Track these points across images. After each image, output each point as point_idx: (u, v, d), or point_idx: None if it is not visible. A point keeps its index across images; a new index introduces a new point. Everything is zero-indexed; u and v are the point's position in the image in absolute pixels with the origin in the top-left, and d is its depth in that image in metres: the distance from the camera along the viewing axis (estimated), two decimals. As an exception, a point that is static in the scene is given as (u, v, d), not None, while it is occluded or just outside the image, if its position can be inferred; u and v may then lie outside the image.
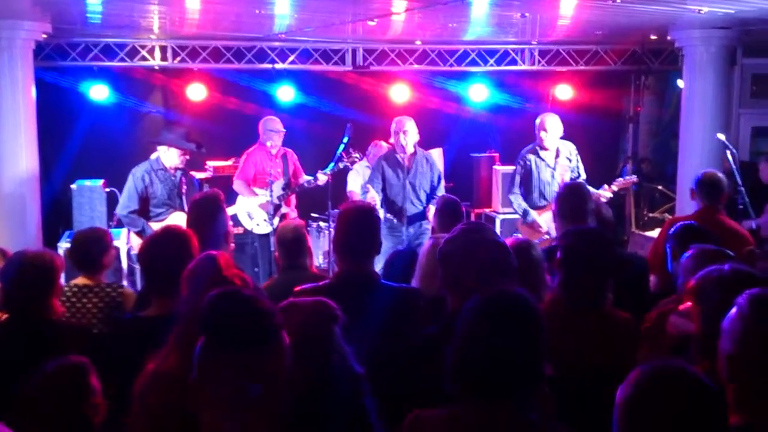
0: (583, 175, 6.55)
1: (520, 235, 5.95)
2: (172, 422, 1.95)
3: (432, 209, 6.15)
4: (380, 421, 2.24)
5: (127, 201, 6.16)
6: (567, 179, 6.38)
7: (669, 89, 9.93)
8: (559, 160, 6.52)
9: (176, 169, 6.24)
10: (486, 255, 2.61)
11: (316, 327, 2.17)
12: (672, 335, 2.63)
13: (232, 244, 4.12)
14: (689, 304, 2.76)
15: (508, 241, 3.30)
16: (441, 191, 6.63)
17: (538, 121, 6.60)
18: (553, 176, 6.50)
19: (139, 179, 6.15)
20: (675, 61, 8.78)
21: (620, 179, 6.45)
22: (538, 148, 6.58)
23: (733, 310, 1.89)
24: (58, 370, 2.46)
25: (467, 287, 2.51)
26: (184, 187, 6.29)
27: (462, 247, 2.66)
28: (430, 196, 6.58)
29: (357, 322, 2.40)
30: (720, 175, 4.96)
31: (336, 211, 7.34)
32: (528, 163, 6.57)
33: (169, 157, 6.19)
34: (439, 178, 6.71)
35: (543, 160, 6.53)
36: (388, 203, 6.63)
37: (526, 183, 6.57)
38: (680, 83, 8.29)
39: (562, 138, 6.56)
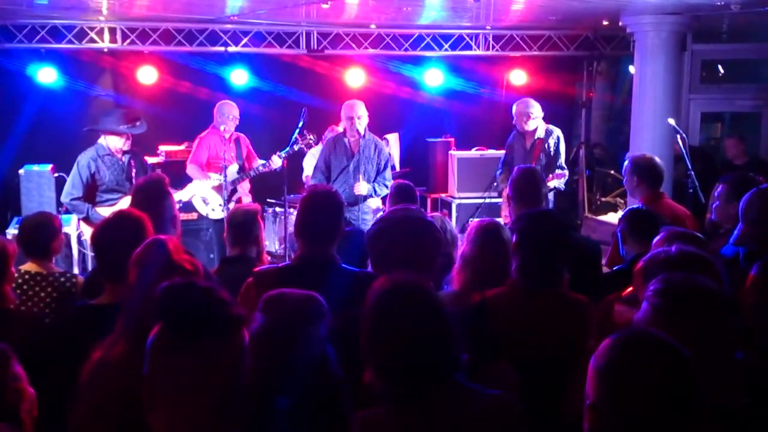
0: (561, 161, 6.81)
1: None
2: (116, 411, 1.90)
3: (362, 187, 6.42)
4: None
5: (71, 188, 6.10)
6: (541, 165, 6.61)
7: (621, 75, 10.07)
8: (536, 144, 6.78)
9: (123, 152, 6.14)
10: (409, 234, 2.64)
11: (295, 322, 2.11)
12: (618, 324, 2.67)
13: (179, 229, 4.04)
14: (630, 289, 2.82)
15: (476, 222, 3.34)
16: (388, 176, 6.67)
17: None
18: (526, 158, 6.75)
19: (84, 167, 6.07)
20: (627, 46, 8.90)
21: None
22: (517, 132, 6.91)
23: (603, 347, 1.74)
24: None
25: (394, 266, 2.56)
26: (134, 170, 6.19)
27: (387, 226, 2.71)
28: (375, 181, 6.61)
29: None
30: (656, 159, 5.00)
31: (292, 196, 7.33)
32: (509, 147, 7.00)
33: (111, 141, 6.13)
34: (386, 164, 6.73)
35: (521, 144, 6.90)
36: (335, 186, 6.65)
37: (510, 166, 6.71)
38: (632, 69, 8.41)
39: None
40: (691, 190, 6.32)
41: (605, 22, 8.41)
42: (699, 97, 8.84)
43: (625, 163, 5.06)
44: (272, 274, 3.06)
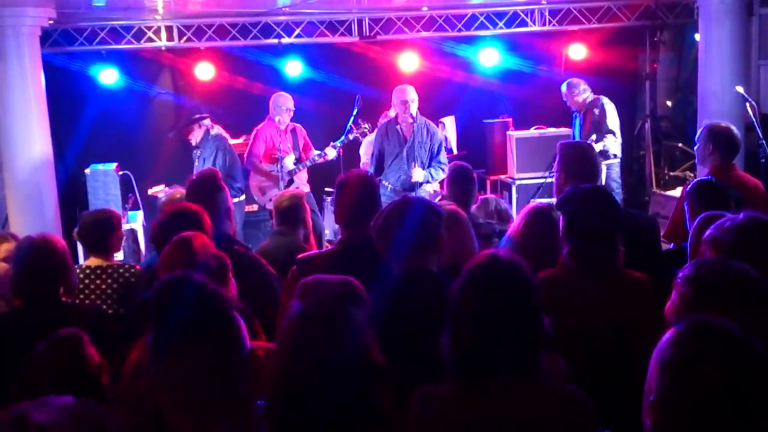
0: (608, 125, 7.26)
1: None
2: (151, 410, 1.91)
3: (417, 173, 6.40)
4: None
5: None
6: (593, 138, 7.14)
7: (686, 44, 9.68)
8: (585, 117, 7.38)
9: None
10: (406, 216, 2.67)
11: (332, 307, 2.03)
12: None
13: (234, 221, 4.09)
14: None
15: (529, 206, 3.24)
16: (443, 159, 6.60)
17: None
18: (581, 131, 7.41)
19: None
20: (691, 14, 8.54)
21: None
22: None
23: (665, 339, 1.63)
24: (51, 345, 2.45)
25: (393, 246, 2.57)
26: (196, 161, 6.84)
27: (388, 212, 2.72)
28: (429, 164, 6.54)
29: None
30: (734, 128, 4.78)
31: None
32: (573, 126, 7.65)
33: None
34: (440, 147, 6.65)
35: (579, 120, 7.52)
36: (390, 173, 6.62)
37: None
38: (697, 37, 8.07)
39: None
40: (762, 160, 6.06)
41: (666, -10, 8.10)
42: (769, 63, 8.41)
43: (699, 130, 4.85)
44: (315, 260, 3.05)
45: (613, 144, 7.22)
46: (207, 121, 7.04)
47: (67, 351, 2.39)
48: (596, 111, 7.23)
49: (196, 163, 6.96)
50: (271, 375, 1.71)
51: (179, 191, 5.13)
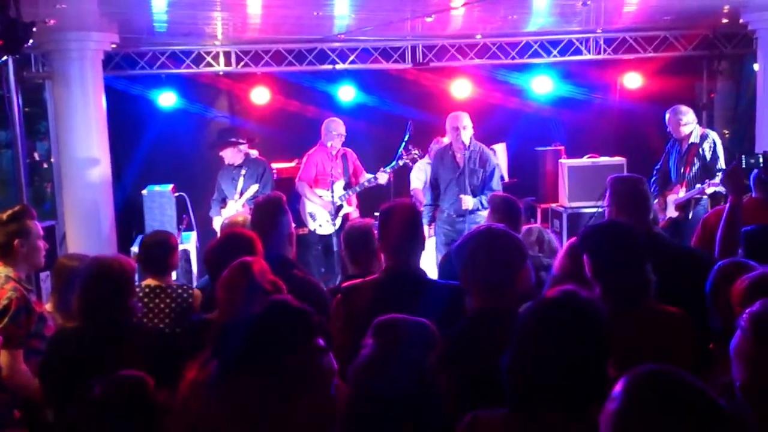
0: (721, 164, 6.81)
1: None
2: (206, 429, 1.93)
3: (468, 201, 6.42)
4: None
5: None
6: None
7: (745, 74, 9.49)
8: (690, 149, 6.88)
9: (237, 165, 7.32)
10: (491, 248, 2.59)
11: (408, 351, 2.05)
12: None
13: (294, 247, 4.11)
14: None
15: (572, 240, 3.19)
16: (496, 186, 6.58)
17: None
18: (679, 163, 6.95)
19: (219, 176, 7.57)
20: (749, 44, 8.38)
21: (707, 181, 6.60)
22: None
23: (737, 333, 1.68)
24: (116, 387, 2.28)
25: (481, 285, 2.50)
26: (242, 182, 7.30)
27: (468, 244, 2.64)
28: (481, 191, 6.54)
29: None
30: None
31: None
32: (665, 154, 7.14)
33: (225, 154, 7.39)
34: (491, 174, 6.64)
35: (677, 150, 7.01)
36: (444, 199, 6.65)
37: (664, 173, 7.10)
38: (756, 67, 7.91)
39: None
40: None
41: (725, 20, 7.97)
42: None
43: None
44: (359, 289, 3.07)
45: None
46: (244, 146, 7.31)
47: (135, 398, 2.23)
48: (707, 147, 6.78)
49: (240, 181, 7.13)
50: (341, 414, 1.72)
51: (243, 215, 5.23)
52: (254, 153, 7.47)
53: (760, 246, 3.45)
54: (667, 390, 1.48)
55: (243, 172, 7.19)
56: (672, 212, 6.94)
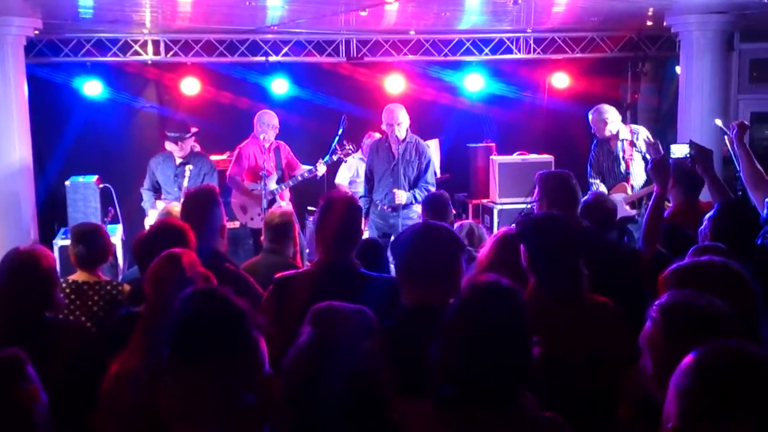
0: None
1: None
2: (133, 425, 1.89)
3: (401, 195, 6.45)
4: None
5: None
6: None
7: (667, 76, 9.83)
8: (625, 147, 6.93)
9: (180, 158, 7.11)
10: (428, 244, 2.62)
11: (348, 337, 2.01)
12: None
13: (225, 239, 4.07)
14: None
15: (499, 232, 3.25)
16: (430, 179, 6.64)
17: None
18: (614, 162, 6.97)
19: (149, 166, 7.28)
20: (672, 47, 8.68)
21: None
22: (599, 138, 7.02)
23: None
24: None
25: (418, 279, 2.52)
26: (183, 177, 7.03)
27: (407, 239, 2.67)
28: (416, 184, 6.59)
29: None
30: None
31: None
32: (594, 153, 7.10)
33: (168, 146, 7.16)
34: (426, 167, 6.70)
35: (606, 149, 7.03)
36: (378, 191, 6.67)
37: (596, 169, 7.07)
38: (678, 70, 8.21)
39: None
40: (740, 192, 6.13)
41: (649, 23, 8.23)
42: (748, 98, 8.56)
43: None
44: (292, 281, 3.05)
45: None
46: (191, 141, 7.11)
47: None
48: (641, 140, 6.75)
49: (186, 176, 6.93)
50: (278, 401, 1.70)
51: (177, 205, 5.12)
52: (197, 147, 7.26)
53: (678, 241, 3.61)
54: (740, 364, 1.49)
55: (190, 167, 6.97)
56: (624, 211, 6.84)
